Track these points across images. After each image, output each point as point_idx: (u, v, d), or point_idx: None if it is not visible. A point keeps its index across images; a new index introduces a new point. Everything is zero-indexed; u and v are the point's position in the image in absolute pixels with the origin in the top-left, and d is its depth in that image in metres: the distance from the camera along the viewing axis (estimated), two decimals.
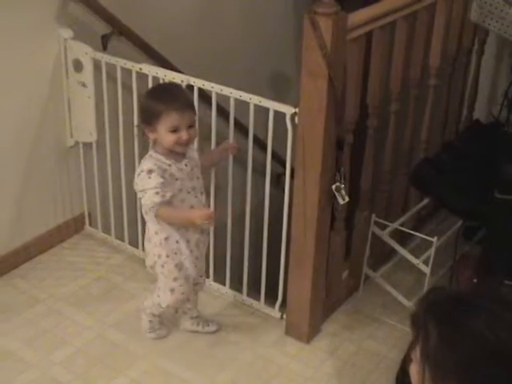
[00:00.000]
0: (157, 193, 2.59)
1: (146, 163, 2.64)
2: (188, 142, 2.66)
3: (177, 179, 2.66)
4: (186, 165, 2.69)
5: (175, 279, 2.79)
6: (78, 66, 3.29)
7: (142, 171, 2.63)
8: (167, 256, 2.75)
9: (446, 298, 1.48)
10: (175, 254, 2.75)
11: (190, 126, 2.64)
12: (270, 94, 2.97)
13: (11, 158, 3.28)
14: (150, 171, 2.61)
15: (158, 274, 2.82)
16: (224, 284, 3.30)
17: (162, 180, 2.60)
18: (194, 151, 2.79)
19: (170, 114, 2.58)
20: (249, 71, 4.28)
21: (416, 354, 1.46)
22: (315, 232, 2.80)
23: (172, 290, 2.81)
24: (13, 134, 3.25)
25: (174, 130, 2.60)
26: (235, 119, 3.03)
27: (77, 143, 3.48)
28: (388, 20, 2.88)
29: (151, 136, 2.66)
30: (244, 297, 3.24)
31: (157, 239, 2.74)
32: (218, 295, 3.29)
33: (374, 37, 2.89)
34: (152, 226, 2.74)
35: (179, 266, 2.76)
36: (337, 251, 3.09)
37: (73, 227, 3.65)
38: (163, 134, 2.61)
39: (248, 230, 3.17)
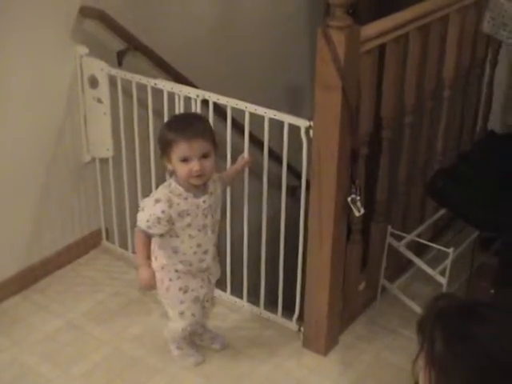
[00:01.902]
0: (147, 221, 2.57)
1: (159, 192, 2.63)
2: (201, 174, 2.58)
3: (188, 214, 2.62)
4: (204, 201, 2.64)
5: (182, 302, 2.76)
6: (93, 83, 3.32)
7: (152, 195, 2.64)
8: (170, 280, 2.73)
9: (454, 307, 1.48)
10: (178, 278, 2.73)
11: (204, 157, 2.57)
12: (285, 108, 2.99)
13: (29, 174, 3.31)
14: (157, 200, 2.59)
15: (164, 300, 2.80)
16: (241, 297, 3.31)
17: (161, 215, 2.56)
18: (215, 184, 2.73)
19: (179, 143, 2.54)
20: (263, 85, 4.30)
21: (423, 358, 1.46)
22: (331, 244, 2.81)
23: (181, 313, 2.78)
24: (30, 150, 3.28)
25: (185, 160, 2.55)
26: (250, 133, 3.05)
27: (93, 159, 3.51)
28: (401, 32, 2.89)
29: (168, 166, 2.63)
30: (261, 310, 3.25)
31: (156, 265, 2.72)
32: (235, 309, 3.30)
33: (387, 49, 2.90)
34: (153, 250, 2.72)
35: (184, 289, 2.74)
36: (353, 263, 3.09)
37: (90, 242, 3.67)
38: (176, 163, 2.57)
39: (264, 242, 3.17)
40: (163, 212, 2.56)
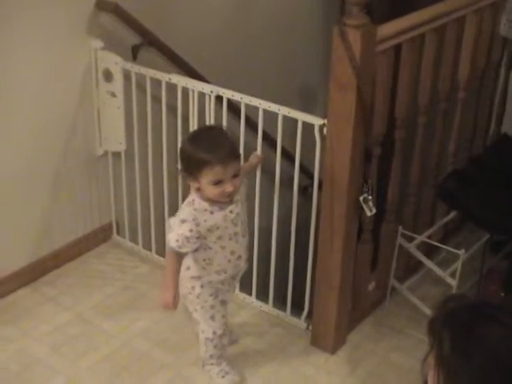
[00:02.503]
0: (176, 240, 2.50)
1: (184, 212, 2.52)
2: (233, 194, 2.50)
3: (218, 228, 2.53)
4: (231, 211, 2.55)
5: (212, 307, 2.72)
6: (108, 76, 3.32)
7: (178, 215, 2.54)
8: (201, 287, 2.68)
9: (463, 307, 1.49)
10: (209, 282, 2.68)
11: (235, 175, 2.47)
12: (297, 107, 2.98)
13: (41, 167, 3.32)
14: (183, 220, 2.50)
15: (193, 306, 2.74)
16: (250, 294, 3.31)
17: (189, 234, 2.49)
18: (241, 191, 2.62)
19: (214, 166, 2.40)
20: (276, 83, 4.30)
21: (431, 359, 1.47)
22: (342, 243, 2.80)
23: (212, 317, 2.74)
24: (43, 142, 3.29)
25: (218, 183, 2.44)
26: (263, 131, 3.04)
27: (106, 152, 3.52)
28: (417, 33, 2.89)
29: (193, 185, 2.50)
30: (270, 307, 3.25)
31: (188, 274, 2.67)
32: (244, 305, 3.30)
33: (402, 49, 2.90)
34: (186, 260, 2.64)
35: (215, 295, 2.71)
36: (363, 263, 3.10)
37: (101, 236, 3.68)
38: (205, 185, 2.44)
39: (275, 240, 3.18)
40: (191, 231, 2.49)
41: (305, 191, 3.87)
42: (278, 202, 3.08)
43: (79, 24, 3.25)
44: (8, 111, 3.11)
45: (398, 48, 2.85)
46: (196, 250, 2.59)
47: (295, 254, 3.13)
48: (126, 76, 3.31)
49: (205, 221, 2.51)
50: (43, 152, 3.31)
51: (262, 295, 3.30)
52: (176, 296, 2.55)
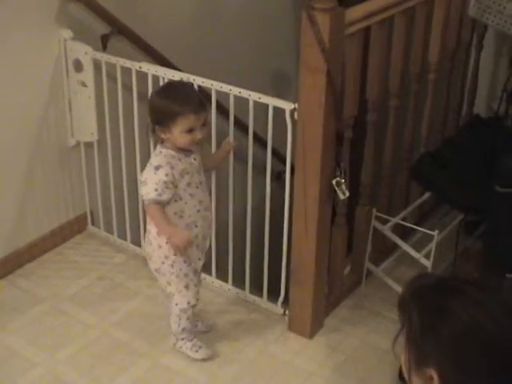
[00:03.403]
0: (155, 189, 2.59)
1: (157, 159, 2.63)
2: (200, 141, 2.67)
3: (187, 173, 2.65)
4: (194, 159, 2.69)
5: (186, 275, 2.77)
6: (78, 66, 3.30)
7: (150, 165, 2.64)
8: (175, 254, 2.72)
9: (431, 283, 1.49)
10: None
11: (203, 124, 2.64)
12: (271, 93, 2.98)
13: (13, 159, 3.30)
14: (157, 167, 2.60)
15: (167, 276, 2.77)
16: (226, 281, 3.31)
17: (166, 178, 2.59)
18: (197, 150, 2.78)
19: (187, 115, 2.57)
20: (248, 70, 4.28)
21: (402, 339, 1.47)
22: (316, 227, 2.81)
23: (186, 286, 2.79)
24: (14, 134, 3.27)
25: (190, 131, 2.59)
26: (235, 117, 3.04)
27: (78, 143, 3.50)
28: (386, 15, 2.89)
29: (163, 136, 2.63)
30: (246, 293, 3.25)
31: (161, 240, 2.70)
32: (220, 292, 3.30)
33: (372, 32, 2.90)
34: (153, 228, 2.71)
35: (188, 262, 2.75)
36: (338, 246, 3.10)
37: (75, 227, 3.66)
38: (177, 134, 2.59)
39: (250, 227, 3.18)
40: (167, 175, 2.59)
41: (279, 177, 3.89)
42: (251, 189, 3.08)
43: (48, 14, 3.23)
44: None
45: (367, 31, 2.85)
46: (167, 203, 2.65)
47: (270, 240, 3.14)
48: (97, 65, 3.30)
49: (176, 164, 2.63)
50: (15, 144, 3.28)
51: (239, 282, 3.30)
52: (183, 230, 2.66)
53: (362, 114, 3.02)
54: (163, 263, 2.74)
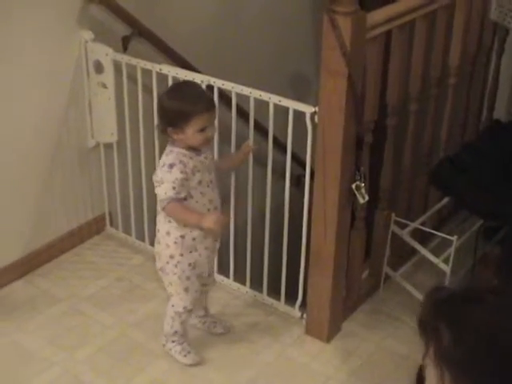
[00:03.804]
0: (173, 188, 2.60)
1: (169, 158, 2.64)
2: (212, 138, 2.72)
3: (198, 171, 2.66)
4: (205, 157, 2.69)
5: (188, 278, 2.77)
6: (98, 68, 3.31)
7: (163, 165, 2.64)
8: (181, 255, 2.73)
9: (451, 296, 1.45)
10: (190, 252, 2.74)
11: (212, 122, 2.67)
12: (290, 96, 2.98)
13: (33, 160, 3.31)
14: (171, 165, 2.61)
15: (169, 276, 2.78)
16: (244, 284, 3.31)
17: (181, 176, 2.60)
18: (208, 150, 2.80)
19: (201, 114, 2.58)
20: (268, 72, 4.28)
21: (430, 358, 1.43)
22: (335, 231, 2.80)
23: (186, 289, 2.79)
24: (35, 135, 3.28)
25: (203, 130, 2.60)
26: (254, 121, 3.04)
27: (98, 144, 3.51)
28: (407, 19, 2.88)
29: (175, 137, 2.63)
30: (264, 296, 3.25)
31: (169, 240, 2.72)
32: (238, 295, 3.31)
33: (393, 36, 2.89)
34: (163, 227, 2.72)
35: (193, 265, 2.76)
36: (357, 250, 3.09)
37: (94, 228, 3.67)
38: (191, 134, 2.60)
39: (268, 230, 3.17)
40: (182, 172, 2.60)
41: (298, 181, 3.88)
42: (270, 192, 3.08)
43: (69, 16, 3.24)
44: None
45: (388, 35, 2.85)
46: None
47: (289, 243, 3.13)
48: (117, 67, 3.31)
49: (188, 162, 2.64)
50: (35, 144, 3.30)
51: (256, 285, 3.30)
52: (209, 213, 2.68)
53: (381, 118, 3.01)
54: (168, 263, 2.75)
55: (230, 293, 3.30)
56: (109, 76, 3.31)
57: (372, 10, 2.68)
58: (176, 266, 2.75)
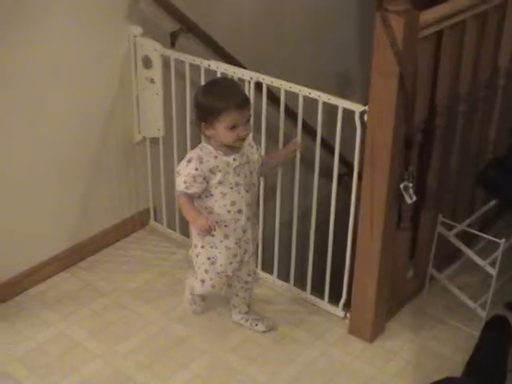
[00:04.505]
0: (184, 182, 2.63)
1: (191, 152, 2.69)
2: (246, 138, 2.68)
3: (219, 171, 2.65)
4: (234, 159, 2.67)
5: (206, 271, 2.84)
6: (147, 63, 3.33)
7: (185, 158, 2.68)
8: (202, 247, 2.80)
9: None
10: (210, 247, 2.78)
11: (247, 121, 2.65)
12: (334, 94, 2.97)
13: (80, 154, 3.34)
14: (189, 160, 2.65)
15: (194, 261, 2.88)
16: (288, 281, 3.31)
17: (194, 172, 2.62)
18: (252, 150, 2.78)
19: (230, 112, 2.58)
20: (313, 71, 4.27)
21: None
22: (382, 231, 2.79)
23: (203, 282, 2.87)
24: (82, 129, 3.31)
25: (234, 127, 2.60)
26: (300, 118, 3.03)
27: (144, 139, 3.53)
28: (458, 19, 2.85)
29: (207, 133, 2.66)
30: (308, 294, 3.24)
31: (194, 230, 2.78)
32: (281, 292, 3.30)
33: (444, 36, 2.87)
34: None
35: (212, 260, 2.80)
36: (402, 251, 3.07)
37: (138, 222, 3.70)
38: (221, 131, 2.61)
39: (313, 228, 3.17)
40: (196, 169, 2.63)
41: (340, 179, 3.86)
42: (315, 190, 3.07)
43: (119, 10, 3.26)
44: (48, 97, 3.12)
45: (439, 35, 2.82)
46: (199, 199, 2.71)
47: (333, 242, 3.12)
48: (165, 62, 3.32)
49: (208, 161, 2.65)
50: (82, 138, 3.32)
51: (299, 283, 3.30)
52: (208, 219, 2.64)
53: (430, 119, 2.98)
54: (192, 251, 2.87)
55: (273, 290, 3.29)
56: (157, 71, 3.32)
57: (419, 10, 2.66)
58: (197, 256, 2.84)
